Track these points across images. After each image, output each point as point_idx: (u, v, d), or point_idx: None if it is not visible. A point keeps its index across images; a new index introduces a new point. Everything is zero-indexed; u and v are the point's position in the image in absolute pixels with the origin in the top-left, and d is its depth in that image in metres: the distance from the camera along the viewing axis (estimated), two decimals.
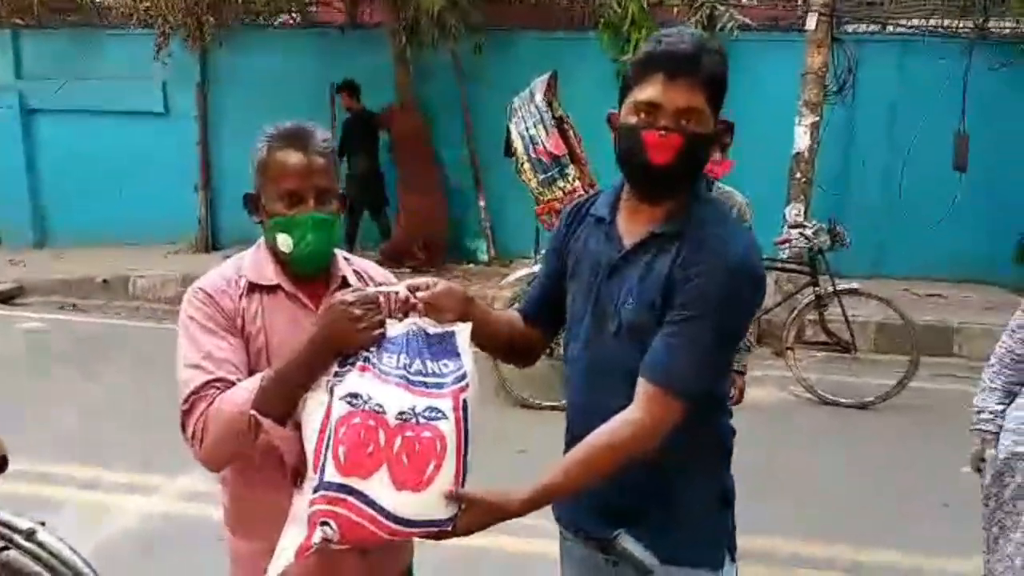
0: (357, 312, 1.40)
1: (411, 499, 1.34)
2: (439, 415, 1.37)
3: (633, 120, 1.45)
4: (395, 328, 1.45)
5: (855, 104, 7.49)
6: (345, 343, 1.40)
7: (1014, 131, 7.42)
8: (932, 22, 7.89)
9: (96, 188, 9.20)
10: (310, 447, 1.38)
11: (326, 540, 1.32)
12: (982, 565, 2.43)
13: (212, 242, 9.21)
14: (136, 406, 4.77)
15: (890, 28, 7.96)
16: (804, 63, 6.90)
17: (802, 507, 3.66)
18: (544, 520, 1.67)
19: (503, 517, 1.41)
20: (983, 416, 2.37)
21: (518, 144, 5.16)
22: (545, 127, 5.09)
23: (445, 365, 1.43)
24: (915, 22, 7.91)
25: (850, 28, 7.66)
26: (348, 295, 1.42)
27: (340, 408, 1.36)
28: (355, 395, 1.36)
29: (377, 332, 1.41)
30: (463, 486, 1.39)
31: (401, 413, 1.35)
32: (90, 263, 8.40)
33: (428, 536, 1.40)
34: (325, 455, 1.35)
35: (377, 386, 1.38)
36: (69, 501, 3.80)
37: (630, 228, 1.55)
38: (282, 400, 1.41)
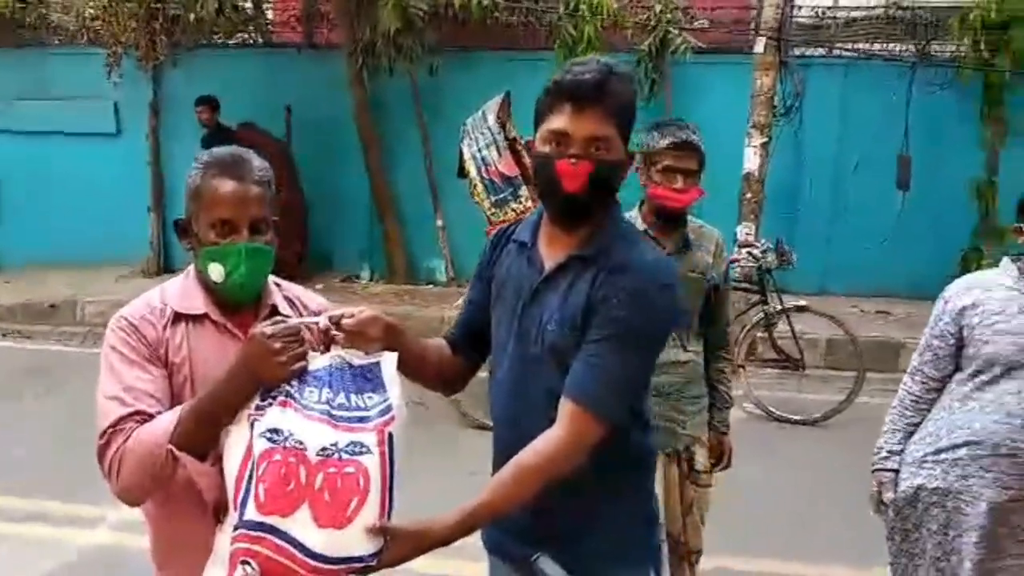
0: (277, 345, 1.38)
1: (334, 536, 1.32)
2: (363, 450, 1.35)
3: (546, 149, 1.50)
4: (318, 361, 1.43)
5: (802, 125, 7.67)
6: (265, 377, 1.38)
7: (954, 151, 7.67)
8: (876, 46, 8.14)
9: (47, 210, 9.01)
10: (231, 483, 1.37)
11: None
12: None
13: (164, 265, 9.07)
14: (82, 434, 4.65)
15: (836, 52, 8.18)
16: (753, 85, 7.06)
17: (754, 524, 3.70)
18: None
19: (430, 544, 1.41)
20: (882, 455, 2.45)
21: (471, 165, 5.18)
22: (498, 148, 5.13)
23: (370, 398, 1.42)
24: (859, 46, 8.15)
25: (797, 52, 7.86)
26: (268, 327, 1.40)
27: (261, 444, 1.35)
28: (276, 431, 1.34)
29: (298, 365, 1.40)
30: (389, 519, 1.38)
31: (323, 449, 1.33)
32: (38, 287, 8.20)
33: (353, 572, 1.39)
34: (246, 493, 1.33)
35: (299, 422, 1.36)
36: (9, 535, 3.70)
37: (550, 252, 1.59)
38: (201, 434, 1.39)
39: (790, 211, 7.91)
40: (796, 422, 5.21)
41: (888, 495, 2.42)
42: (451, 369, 1.76)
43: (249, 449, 1.35)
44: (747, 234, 6.81)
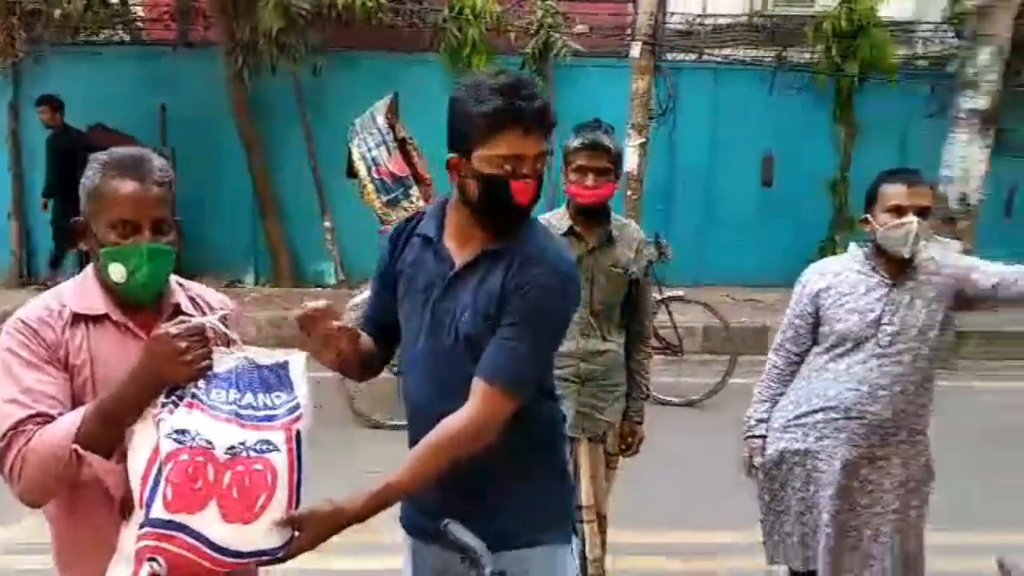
0: (182, 344, 1.39)
1: (241, 531, 1.37)
2: (271, 448, 1.40)
3: (498, 171, 1.57)
4: (224, 362, 1.45)
5: (677, 127, 8.11)
6: (170, 376, 1.40)
7: (811, 150, 8.32)
8: (740, 52, 8.69)
9: None
10: (136, 481, 1.38)
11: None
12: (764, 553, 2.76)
13: (27, 275, 8.52)
14: None
15: (705, 57, 8.68)
16: (630, 88, 7.38)
17: (644, 499, 3.86)
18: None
19: (344, 522, 1.47)
20: (751, 424, 2.72)
21: (360, 166, 5.20)
22: (387, 148, 5.17)
23: (278, 397, 1.47)
24: (726, 52, 8.67)
25: (670, 57, 8.29)
26: (173, 327, 1.41)
27: (167, 445, 1.35)
28: (182, 431, 1.37)
29: (203, 364, 1.42)
30: (296, 514, 1.43)
31: (231, 448, 1.37)
32: None
33: (261, 564, 1.44)
34: (152, 492, 1.35)
35: (205, 422, 1.38)
36: None
37: (461, 248, 1.67)
38: (106, 434, 1.40)
39: (666, 207, 8.34)
40: (677, 404, 5.53)
41: (757, 459, 2.68)
42: (372, 358, 1.84)
43: (156, 449, 1.37)
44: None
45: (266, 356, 1.50)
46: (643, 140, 7.36)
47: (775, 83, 8.32)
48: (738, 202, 8.38)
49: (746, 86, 8.39)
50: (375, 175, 5.15)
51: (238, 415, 1.40)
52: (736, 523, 3.30)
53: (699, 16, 8.99)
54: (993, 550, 2.61)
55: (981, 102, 6.84)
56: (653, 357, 3.13)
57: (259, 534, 1.39)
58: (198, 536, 1.34)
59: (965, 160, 6.88)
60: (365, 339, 1.80)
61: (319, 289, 8.46)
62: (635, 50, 7.44)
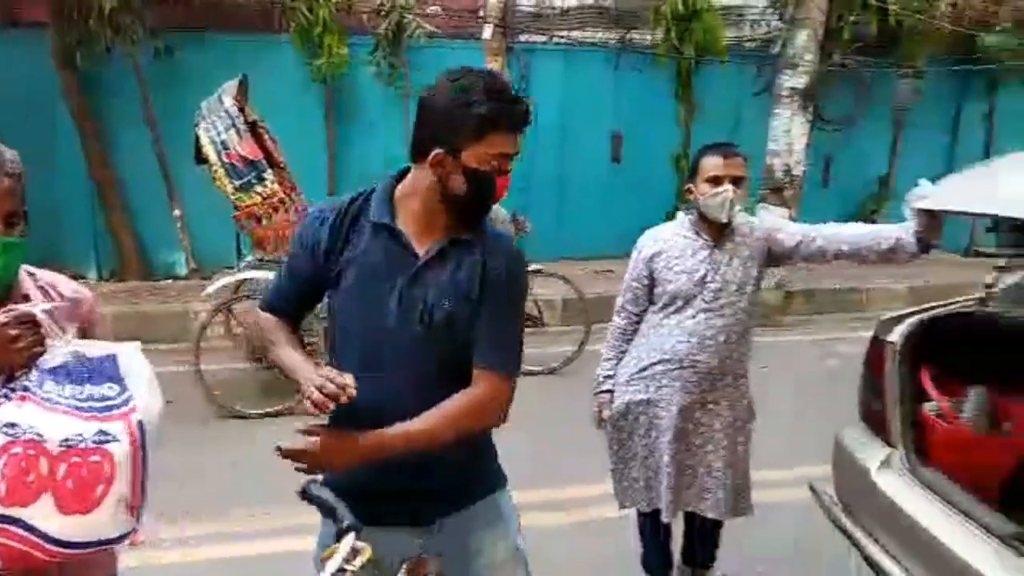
0: (12, 332, 1.39)
1: (79, 522, 1.39)
2: (109, 438, 1.42)
3: (488, 168, 1.65)
4: (55, 354, 1.45)
5: (531, 107, 8.34)
6: (2, 363, 1.40)
7: (656, 127, 8.79)
8: (587, 34, 9.03)
9: None
10: None
11: None
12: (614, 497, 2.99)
13: None
14: None
15: (554, 39, 8.94)
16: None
17: (505, 461, 4.10)
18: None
19: (351, 453, 1.61)
20: (599, 380, 2.96)
21: (209, 150, 5.05)
22: (237, 131, 5.05)
23: (111, 388, 1.48)
24: (574, 34, 8.98)
25: (522, 38, 8.49)
26: (2, 315, 1.41)
27: None
28: (13, 424, 1.37)
29: (35, 351, 1.42)
30: (142, 503, 1.49)
31: (66, 440, 1.38)
32: None
33: (101, 551, 1.46)
34: None
35: (39, 414, 1.38)
36: None
37: (421, 236, 1.71)
38: None
39: (523, 185, 8.57)
40: (539, 372, 5.79)
41: (606, 412, 2.92)
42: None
43: None
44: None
45: (96, 348, 1.51)
46: None
47: (620, 64, 8.71)
48: (590, 179, 8.74)
49: (594, 67, 8.74)
50: (225, 159, 5.02)
51: (77, 407, 1.42)
52: (591, 477, 3.54)
53: None
54: (807, 480, 3.02)
55: (801, 81, 7.49)
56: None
57: (99, 524, 1.41)
58: (32, 529, 1.36)
59: (788, 134, 7.52)
60: (289, 331, 1.84)
61: (171, 281, 8.11)
62: (487, 32, 7.60)
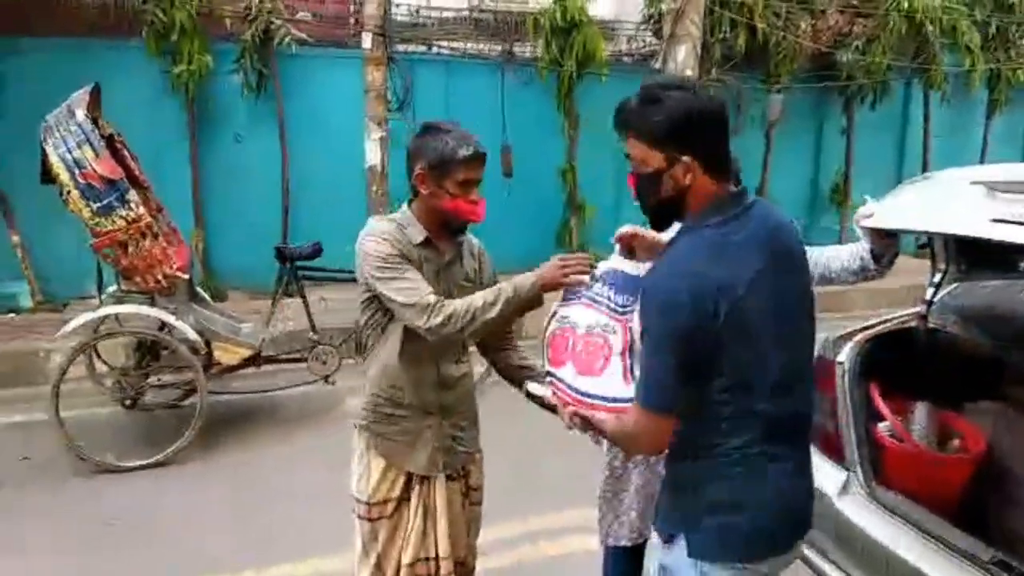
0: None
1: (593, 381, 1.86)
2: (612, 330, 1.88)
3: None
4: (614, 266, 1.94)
5: (416, 120, 8.01)
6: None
7: (544, 140, 8.69)
8: (469, 45, 8.80)
9: None
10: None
11: None
12: (599, 534, 2.77)
13: None
14: None
15: (435, 50, 8.66)
16: (365, 80, 7.13)
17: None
18: None
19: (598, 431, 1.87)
20: None
21: (60, 169, 4.35)
22: (93, 148, 4.39)
23: (629, 298, 1.87)
24: (456, 45, 8.73)
25: (401, 48, 8.14)
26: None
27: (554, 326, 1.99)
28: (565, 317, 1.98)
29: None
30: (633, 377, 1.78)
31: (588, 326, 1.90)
32: None
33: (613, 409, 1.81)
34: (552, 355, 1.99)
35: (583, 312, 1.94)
36: None
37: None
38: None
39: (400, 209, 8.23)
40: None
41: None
42: None
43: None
44: None
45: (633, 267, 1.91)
46: (383, 134, 7.17)
47: (504, 77, 8.54)
48: (484, 193, 8.48)
49: (477, 79, 8.53)
50: (80, 180, 4.35)
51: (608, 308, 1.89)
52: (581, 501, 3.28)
53: (423, 8, 8.96)
54: None
55: None
56: None
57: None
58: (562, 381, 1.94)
59: None
60: None
61: (13, 316, 7.11)
62: (367, 41, 7.21)
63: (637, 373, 1.71)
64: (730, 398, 1.65)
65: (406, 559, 2.30)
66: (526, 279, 2.03)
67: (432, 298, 2.07)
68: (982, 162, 10.57)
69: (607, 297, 1.88)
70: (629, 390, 1.78)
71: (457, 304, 2.05)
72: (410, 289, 2.09)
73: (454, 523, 2.38)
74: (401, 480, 2.32)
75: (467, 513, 2.47)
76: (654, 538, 1.90)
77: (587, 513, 2.92)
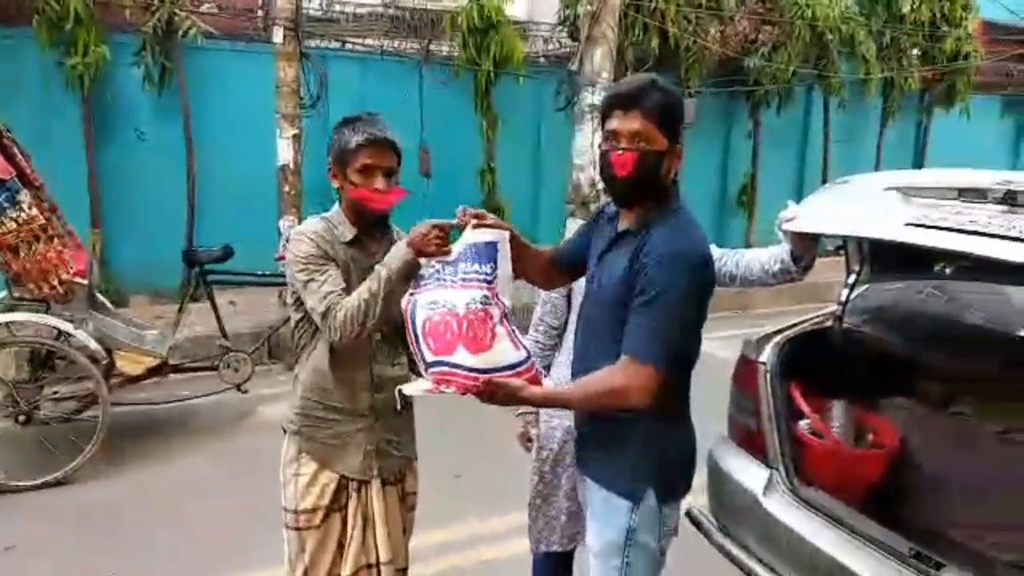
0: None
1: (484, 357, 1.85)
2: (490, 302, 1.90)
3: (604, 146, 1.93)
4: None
5: (330, 117, 7.80)
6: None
7: (462, 140, 8.63)
8: (385, 43, 8.63)
9: None
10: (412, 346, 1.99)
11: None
12: (529, 541, 2.74)
13: None
14: None
15: (349, 46, 8.45)
16: (277, 76, 6.89)
17: None
18: None
19: (520, 397, 1.86)
20: None
21: None
22: None
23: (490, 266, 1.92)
24: (370, 42, 8.55)
25: (314, 44, 7.90)
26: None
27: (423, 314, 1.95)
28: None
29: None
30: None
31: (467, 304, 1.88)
32: None
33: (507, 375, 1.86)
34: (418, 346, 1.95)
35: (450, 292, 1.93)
36: None
37: (621, 227, 2.02)
38: None
39: (327, 202, 7.99)
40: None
41: (533, 430, 2.63)
42: (548, 269, 2.26)
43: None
44: (289, 227, 6.68)
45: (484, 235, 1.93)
46: (296, 131, 6.94)
47: (422, 75, 8.43)
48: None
49: (394, 77, 8.38)
50: None
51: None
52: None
53: (335, 2, 8.73)
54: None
55: (600, 98, 7.66)
56: None
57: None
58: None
59: (592, 149, 7.67)
60: (545, 254, 2.27)
61: None
62: (278, 35, 6.95)
63: (521, 338, 1.90)
64: (691, 356, 1.98)
65: (347, 571, 2.25)
66: (398, 250, 2.01)
67: (323, 308, 2.05)
68: (877, 167, 11.15)
69: (475, 271, 1.89)
70: (521, 353, 1.87)
71: (347, 304, 2.03)
72: (317, 295, 2.08)
73: (393, 528, 2.34)
74: (331, 488, 2.26)
75: (403, 519, 2.43)
76: (599, 532, 2.02)
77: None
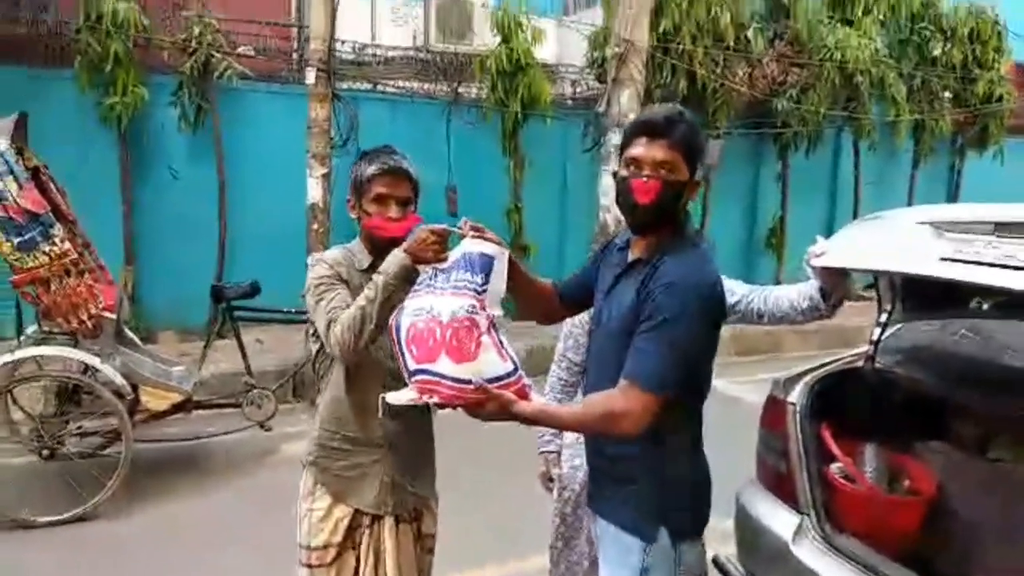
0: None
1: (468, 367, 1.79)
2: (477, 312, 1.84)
3: (624, 172, 1.92)
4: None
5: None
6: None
7: (489, 180, 8.68)
8: (415, 85, 8.78)
9: None
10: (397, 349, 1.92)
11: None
12: None
13: None
14: None
15: (380, 88, 8.61)
16: (309, 116, 7.02)
17: None
18: None
19: (511, 413, 1.79)
20: (545, 438, 2.61)
21: None
22: (17, 180, 4.17)
23: (481, 277, 1.88)
24: (401, 84, 8.71)
25: (345, 85, 8.06)
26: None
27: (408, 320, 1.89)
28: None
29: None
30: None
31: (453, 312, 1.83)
32: None
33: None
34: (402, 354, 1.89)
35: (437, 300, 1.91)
36: None
37: (631, 256, 1.98)
38: None
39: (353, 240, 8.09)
40: None
41: (555, 470, 2.57)
42: (549, 301, 2.20)
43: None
44: None
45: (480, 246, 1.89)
46: (326, 171, 7.04)
47: (451, 117, 8.54)
48: None
49: (423, 119, 8.49)
50: (2, 213, 4.12)
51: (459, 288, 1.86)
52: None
53: (367, 45, 8.94)
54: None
55: None
56: None
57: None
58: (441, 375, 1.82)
59: None
60: (548, 287, 2.21)
61: None
62: (310, 76, 7.11)
63: (509, 350, 1.85)
64: (701, 388, 1.96)
65: None
66: (395, 256, 1.99)
67: (325, 321, 2.06)
68: None
69: (466, 280, 1.85)
70: (507, 364, 1.82)
71: (343, 317, 2.02)
72: (323, 312, 2.09)
73: (406, 567, 2.28)
74: (344, 523, 2.23)
75: (419, 561, 2.36)
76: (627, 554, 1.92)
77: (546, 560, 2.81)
